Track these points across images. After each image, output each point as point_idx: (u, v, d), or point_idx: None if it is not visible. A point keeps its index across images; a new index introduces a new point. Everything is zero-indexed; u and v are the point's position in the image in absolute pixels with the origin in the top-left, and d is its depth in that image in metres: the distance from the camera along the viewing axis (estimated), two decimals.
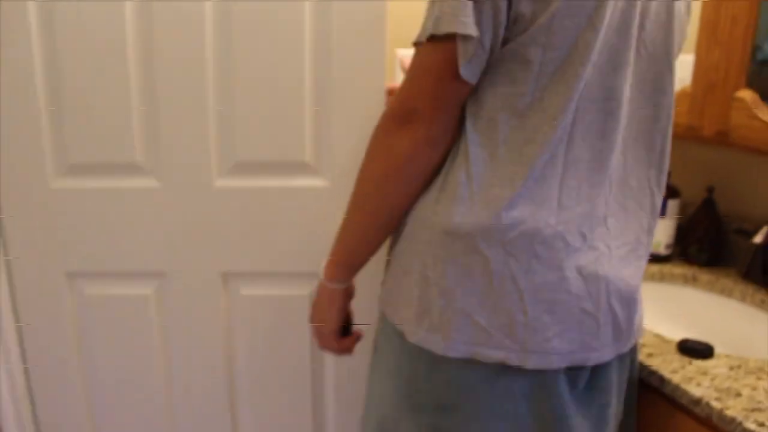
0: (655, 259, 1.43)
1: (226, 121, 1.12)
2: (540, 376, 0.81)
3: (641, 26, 0.80)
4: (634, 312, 0.87)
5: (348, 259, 0.93)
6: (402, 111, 0.79)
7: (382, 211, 0.87)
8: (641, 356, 1.02)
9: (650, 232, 0.89)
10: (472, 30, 0.72)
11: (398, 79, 1.46)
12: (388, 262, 0.93)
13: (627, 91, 0.80)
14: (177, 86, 1.10)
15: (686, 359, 1.01)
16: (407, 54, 0.86)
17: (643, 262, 0.90)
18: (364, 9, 1.07)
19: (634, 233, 0.86)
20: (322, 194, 1.16)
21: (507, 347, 0.79)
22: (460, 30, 0.72)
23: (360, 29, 1.08)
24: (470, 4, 0.72)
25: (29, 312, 1.27)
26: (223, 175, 1.15)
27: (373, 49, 1.09)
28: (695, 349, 1.02)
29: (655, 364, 1.00)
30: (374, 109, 1.09)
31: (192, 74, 1.09)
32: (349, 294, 0.98)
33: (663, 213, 1.41)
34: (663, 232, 1.42)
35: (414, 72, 0.78)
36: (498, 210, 0.77)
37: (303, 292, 1.21)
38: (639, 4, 0.78)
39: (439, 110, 0.78)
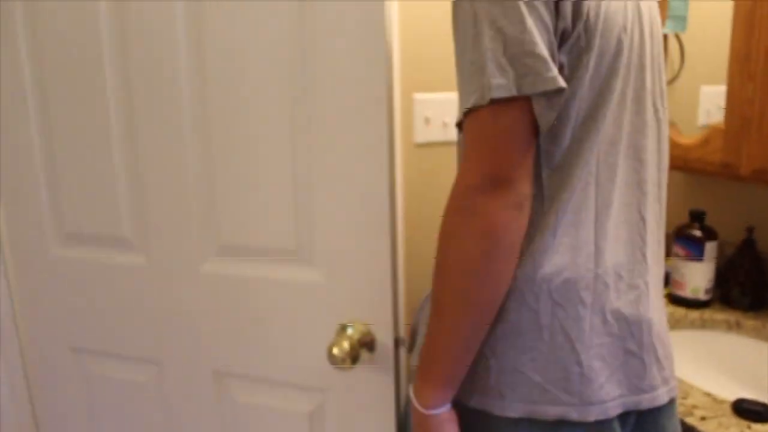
0: (694, 304, 1.35)
1: (206, 195, 1.00)
2: (597, 425, 0.78)
3: (640, 66, 0.81)
4: (671, 349, 0.87)
5: (453, 371, 0.79)
6: (487, 180, 0.72)
7: (485, 299, 0.75)
8: (693, 420, 0.94)
9: (659, 264, 0.88)
10: (562, 82, 0.70)
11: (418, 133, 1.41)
12: (413, 329, 0.86)
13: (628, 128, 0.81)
14: (159, 154, 1.01)
15: (744, 423, 0.92)
16: None
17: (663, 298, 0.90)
18: (363, 60, 0.88)
19: (658, 268, 0.86)
20: (315, 291, 0.96)
21: (565, 402, 0.77)
22: (554, 86, 0.69)
23: (359, 85, 0.88)
24: (547, 54, 0.69)
25: (39, 385, 1.23)
26: (208, 259, 1.03)
27: (374, 118, 0.89)
28: (753, 411, 0.93)
29: (710, 429, 0.91)
30: (375, 186, 0.90)
31: (172, 141, 1.00)
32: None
33: (701, 256, 1.33)
34: (702, 276, 1.34)
35: (487, 137, 0.72)
36: (541, 259, 0.77)
37: (301, 408, 1.03)
38: (636, 46, 0.79)
39: (523, 170, 0.73)
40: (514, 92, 0.69)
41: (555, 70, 0.69)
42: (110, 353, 1.15)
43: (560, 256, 0.76)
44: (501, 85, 0.69)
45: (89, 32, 1.00)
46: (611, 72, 0.76)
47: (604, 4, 0.74)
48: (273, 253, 0.98)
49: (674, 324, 1.33)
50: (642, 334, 0.80)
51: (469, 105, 0.72)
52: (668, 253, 1.21)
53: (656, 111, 0.84)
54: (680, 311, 1.35)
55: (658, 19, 0.87)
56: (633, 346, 0.79)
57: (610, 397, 0.78)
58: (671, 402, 0.84)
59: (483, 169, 0.72)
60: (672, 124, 1.38)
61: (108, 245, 1.09)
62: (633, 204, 0.81)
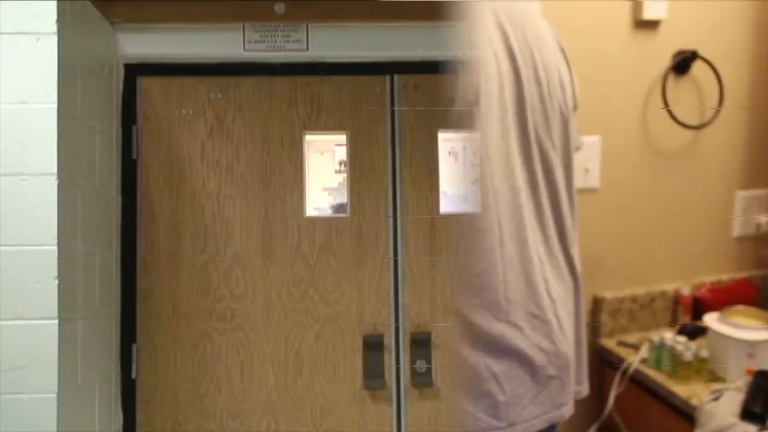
0: None
1: None
2: None
3: (527, 120, 0.92)
4: (585, 364, 1.05)
5: None
6: None
7: None
8: None
9: (567, 296, 1.00)
10: None
11: None
12: None
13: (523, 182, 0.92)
14: None
15: None
16: None
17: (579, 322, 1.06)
18: None
19: (566, 299, 0.98)
20: None
21: (495, 426, 0.91)
22: None
23: None
24: None
25: None
26: None
27: None
28: None
29: None
30: None
31: None
32: None
33: None
34: None
35: None
36: (468, 318, 0.92)
37: None
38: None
39: None
40: None
41: None
42: None
43: (478, 317, 0.90)
44: None
45: None
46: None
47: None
48: None
49: None
50: (559, 360, 0.96)
51: None
52: None
53: (545, 153, 0.95)
54: None
55: (553, 57, 0.96)
56: (553, 371, 0.95)
57: (533, 416, 0.91)
58: None
59: None
60: None
61: None
62: (533, 248, 0.93)
